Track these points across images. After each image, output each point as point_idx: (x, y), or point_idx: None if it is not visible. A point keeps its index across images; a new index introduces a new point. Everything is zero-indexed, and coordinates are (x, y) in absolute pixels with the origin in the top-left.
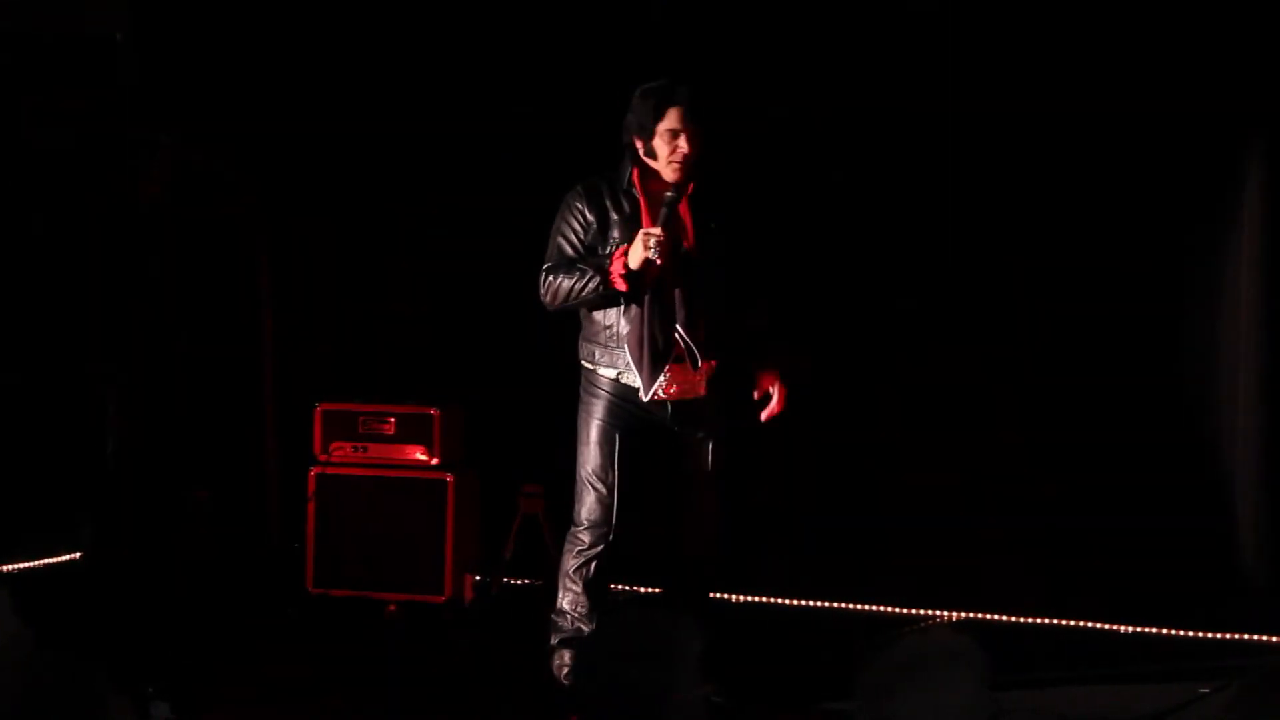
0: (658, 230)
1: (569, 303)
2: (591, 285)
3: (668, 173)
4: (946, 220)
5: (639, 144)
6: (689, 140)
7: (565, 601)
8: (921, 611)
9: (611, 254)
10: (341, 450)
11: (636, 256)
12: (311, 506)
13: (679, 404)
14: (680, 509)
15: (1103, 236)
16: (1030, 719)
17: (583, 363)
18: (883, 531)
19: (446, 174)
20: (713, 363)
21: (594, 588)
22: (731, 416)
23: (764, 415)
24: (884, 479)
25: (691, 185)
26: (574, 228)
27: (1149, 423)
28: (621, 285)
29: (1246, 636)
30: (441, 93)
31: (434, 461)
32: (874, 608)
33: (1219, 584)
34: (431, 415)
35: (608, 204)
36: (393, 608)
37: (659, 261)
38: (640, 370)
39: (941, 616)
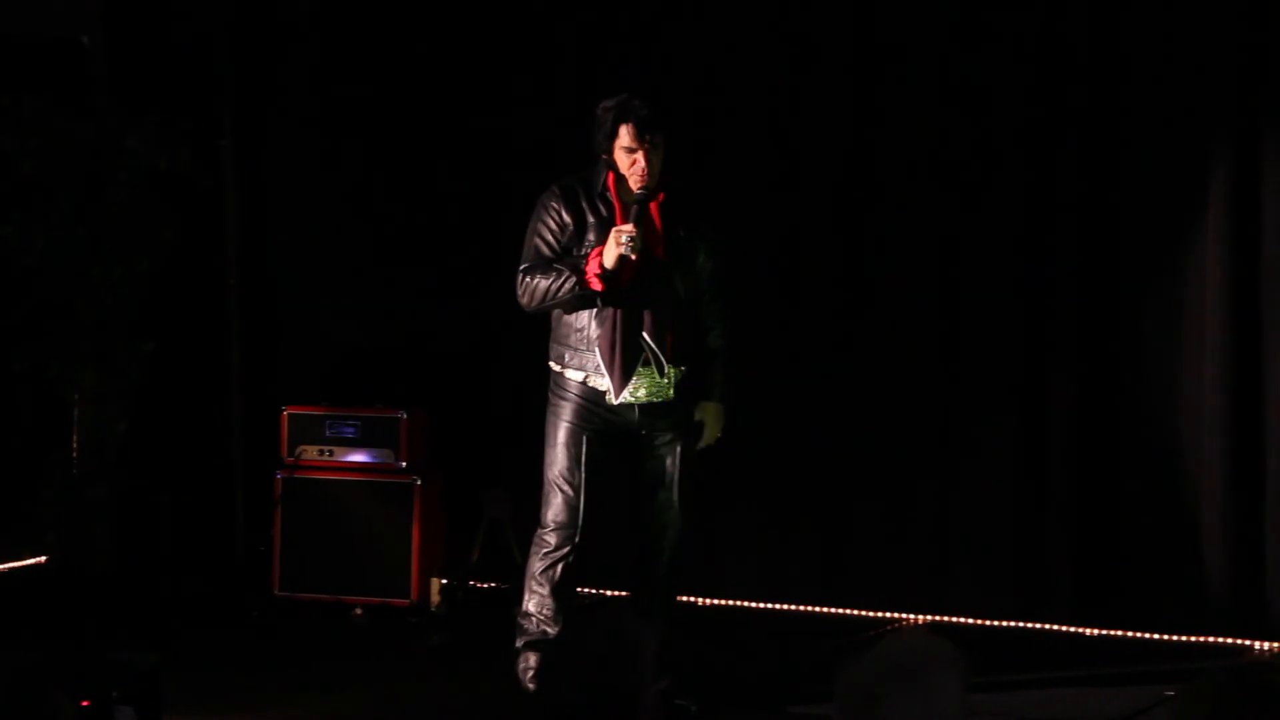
0: (629, 227)
1: (546, 303)
2: (568, 286)
3: (631, 184)
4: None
5: (605, 155)
6: (645, 156)
7: (531, 604)
8: (888, 615)
9: (587, 255)
10: (308, 454)
11: (611, 255)
12: (278, 510)
13: (647, 407)
14: (647, 511)
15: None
16: None
17: (551, 364)
18: (849, 534)
19: (419, 178)
20: (680, 368)
21: (560, 590)
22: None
23: (699, 445)
24: (849, 482)
25: (662, 194)
26: (551, 228)
27: (1112, 425)
28: (597, 285)
29: (1210, 639)
30: (419, 90)
31: (400, 465)
32: (840, 611)
33: (1184, 586)
34: (398, 419)
35: (584, 206)
36: (359, 611)
37: (633, 258)
38: (611, 374)
39: (908, 620)
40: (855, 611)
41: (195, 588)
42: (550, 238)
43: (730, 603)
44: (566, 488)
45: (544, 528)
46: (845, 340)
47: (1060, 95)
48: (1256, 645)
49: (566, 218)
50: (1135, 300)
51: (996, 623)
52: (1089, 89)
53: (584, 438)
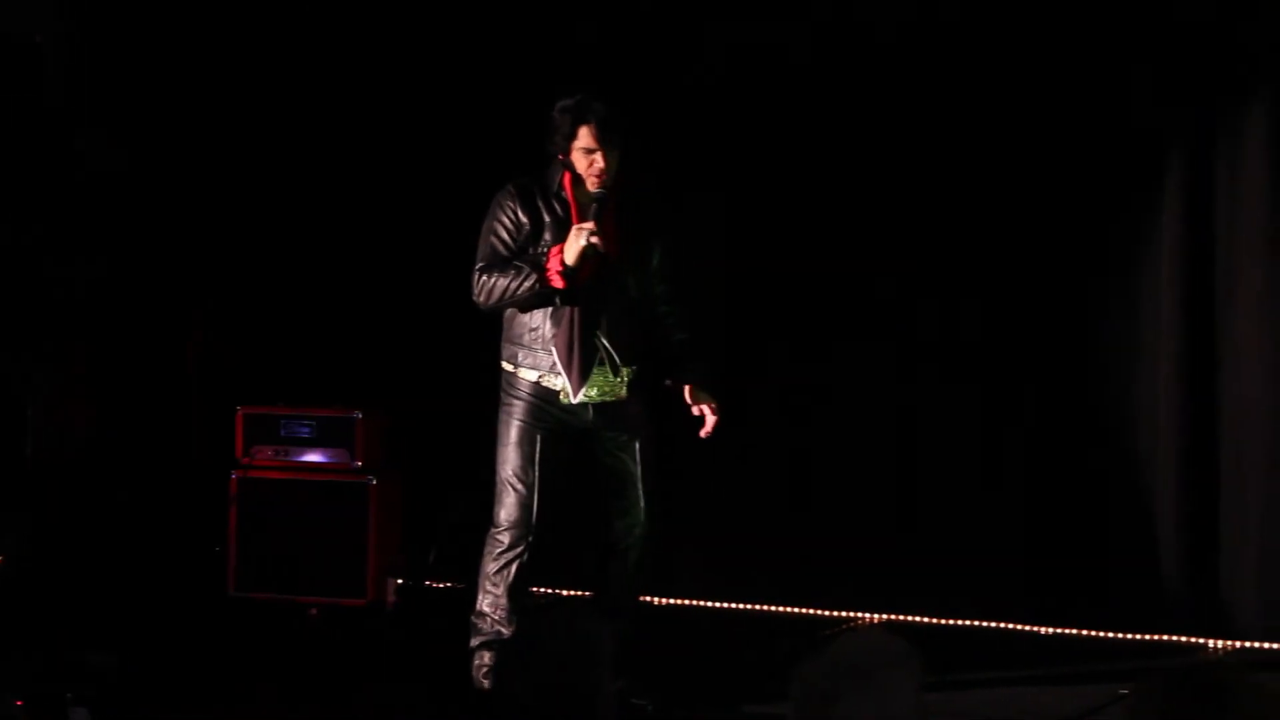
0: (590, 224)
1: (503, 301)
2: (528, 284)
3: (588, 185)
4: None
5: (561, 156)
6: (604, 157)
7: (485, 604)
8: (844, 614)
9: (546, 252)
10: (263, 454)
11: (573, 252)
12: (233, 510)
13: (600, 406)
14: (607, 511)
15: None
16: None
17: (503, 364)
18: (806, 533)
19: (377, 176)
20: (632, 367)
21: (514, 590)
22: (653, 419)
23: (703, 434)
24: (804, 481)
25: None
26: (506, 227)
27: (1070, 427)
28: (559, 282)
29: (1165, 638)
30: (378, 84)
31: (356, 465)
32: (796, 610)
33: (1140, 585)
34: (354, 419)
35: (540, 206)
36: (314, 611)
37: (594, 255)
38: (569, 373)
39: (865, 619)
40: (811, 610)
41: (152, 588)
42: (506, 236)
43: (686, 602)
44: (520, 487)
45: (497, 527)
46: (805, 340)
47: (1015, 99)
48: (1211, 644)
49: (522, 217)
50: (1092, 302)
51: (952, 621)
52: (1044, 93)
53: (537, 436)
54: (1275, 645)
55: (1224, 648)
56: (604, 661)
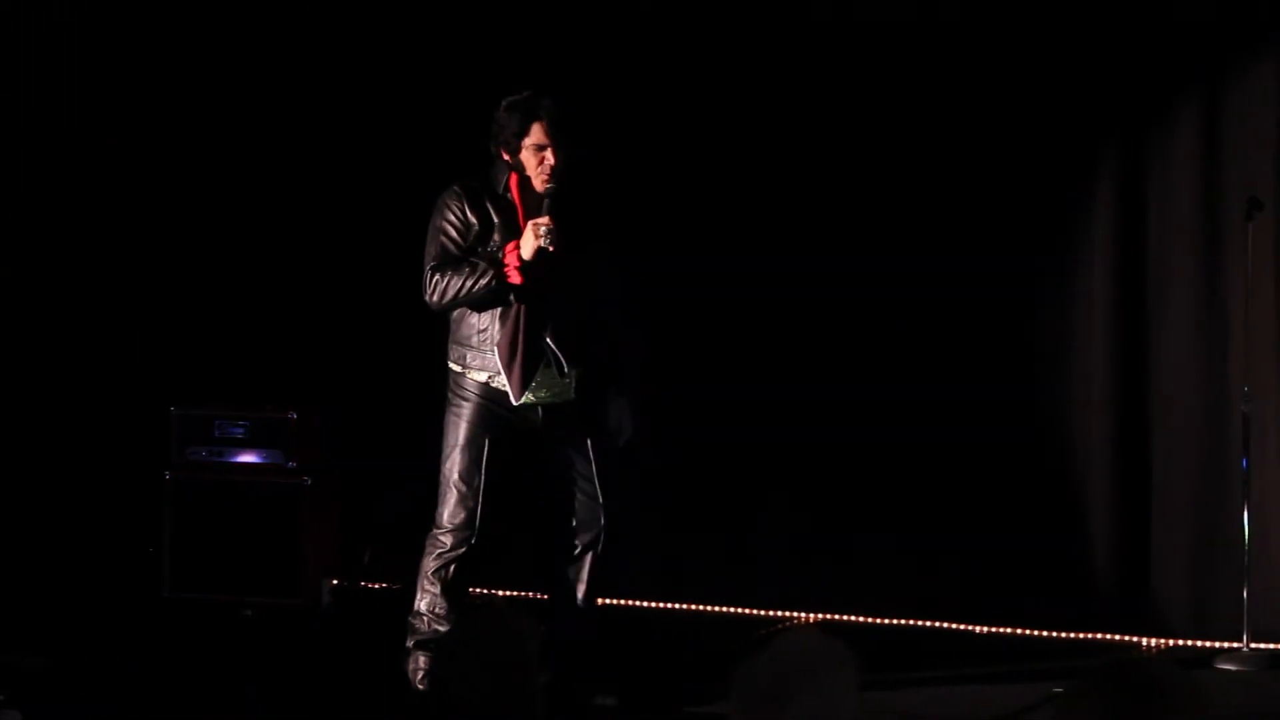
0: (545, 219)
1: (458, 300)
2: (484, 280)
3: (536, 184)
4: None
5: (506, 155)
6: (554, 154)
7: (423, 604)
8: (781, 613)
9: (501, 249)
10: (197, 454)
11: (529, 247)
12: (167, 511)
13: (550, 407)
14: (559, 513)
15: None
16: None
17: (451, 365)
18: (744, 533)
19: (309, 176)
20: (578, 368)
21: (452, 590)
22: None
23: (621, 443)
24: (745, 481)
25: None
26: (455, 226)
27: (1002, 422)
28: (517, 278)
29: (1099, 636)
30: (309, 85)
31: (290, 465)
32: (734, 610)
33: (1072, 584)
34: (288, 419)
35: (488, 206)
36: (249, 612)
37: (551, 249)
38: (509, 376)
39: (800, 618)
40: (749, 610)
41: (85, 589)
42: (455, 235)
43: (625, 602)
44: (464, 489)
45: (439, 528)
46: (744, 340)
47: (946, 95)
48: (1143, 642)
49: (471, 217)
50: (1025, 295)
51: (887, 620)
52: (976, 87)
53: (485, 440)
54: (1206, 643)
55: (1156, 646)
56: (532, 660)
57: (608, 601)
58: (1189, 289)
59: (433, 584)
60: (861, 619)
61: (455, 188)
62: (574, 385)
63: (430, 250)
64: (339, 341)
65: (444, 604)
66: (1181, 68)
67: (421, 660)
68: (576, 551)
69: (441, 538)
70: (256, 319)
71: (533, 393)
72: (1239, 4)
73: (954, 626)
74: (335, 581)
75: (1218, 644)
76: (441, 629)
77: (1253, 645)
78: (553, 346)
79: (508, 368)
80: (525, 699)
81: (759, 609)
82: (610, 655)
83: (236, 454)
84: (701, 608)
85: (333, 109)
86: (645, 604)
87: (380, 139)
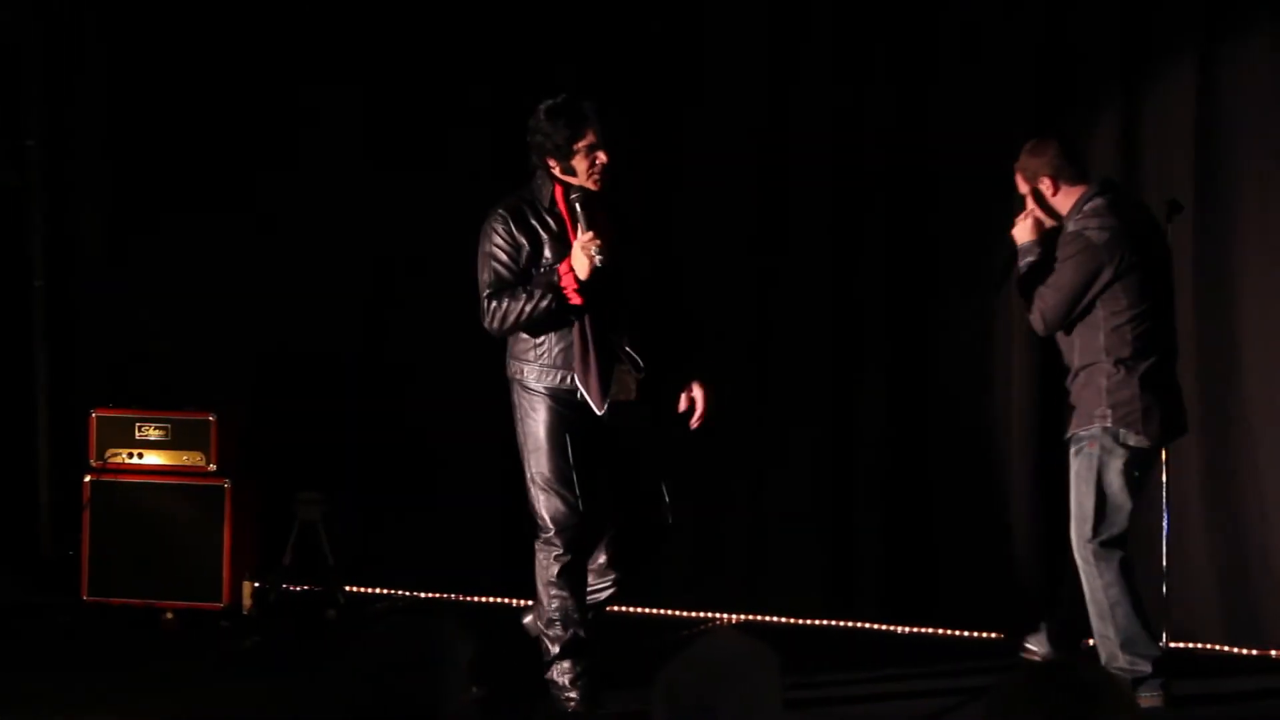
0: (589, 235)
1: (519, 325)
2: (544, 304)
3: (592, 184)
4: None
5: (554, 164)
6: (607, 153)
7: (554, 610)
8: (700, 614)
9: (555, 270)
10: (117, 457)
11: (583, 267)
12: (86, 514)
13: (614, 405)
14: (628, 508)
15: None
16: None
17: (514, 378)
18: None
19: (228, 176)
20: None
21: (579, 590)
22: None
23: (694, 423)
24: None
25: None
26: (506, 250)
27: (921, 427)
28: (577, 299)
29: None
30: (232, 90)
31: (211, 468)
32: (655, 611)
33: (993, 584)
34: (209, 421)
35: (534, 224)
36: (170, 615)
37: (600, 262)
38: (588, 387)
39: (720, 619)
40: (670, 612)
41: (3, 593)
42: (507, 259)
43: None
44: (561, 487)
45: (546, 531)
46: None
47: (868, 113)
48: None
49: (520, 238)
50: (944, 307)
51: (809, 621)
52: (898, 101)
53: (566, 436)
54: None
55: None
56: (452, 672)
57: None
58: None
59: (560, 588)
60: (784, 620)
61: (500, 210)
62: (635, 384)
63: (484, 277)
64: (260, 342)
65: (574, 605)
66: (1101, 69)
67: (568, 665)
68: (628, 539)
69: (553, 539)
70: (178, 320)
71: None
72: (1156, 7)
73: (876, 627)
74: (256, 584)
75: None
76: (581, 634)
77: (1171, 645)
78: (626, 349)
79: (584, 381)
80: (435, 713)
81: (683, 610)
82: (536, 659)
83: (157, 456)
84: (627, 609)
85: (245, 99)
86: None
87: (292, 131)
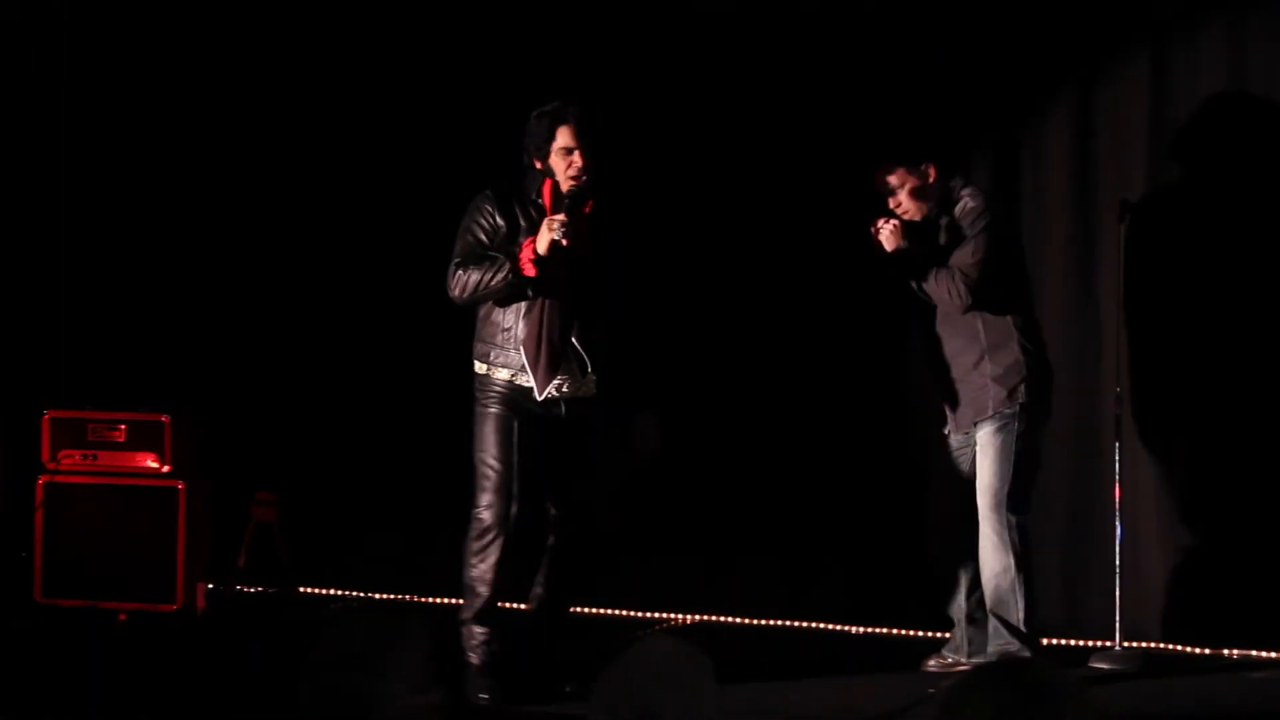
0: (561, 215)
1: (478, 294)
2: (501, 274)
3: (563, 186)
4: None
5: (538, 163)
6: (581, 156)
7: (472, 575)
8: (655, 615)
9: (520, 243)
10: (71, 458)
11: (544, 241)
12: (39, 515)
13: (570, 401)
14: (564, 507)
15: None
16: None
17: (476, 366)
18: (617, 536)
19: (184, 176)
20: (597, 371)
21: (499, 566)
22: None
23: (643, 461)
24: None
25: (591, 202)
26: (483, 227)
27: (884, 426)
28: (531, 270)
29: None
30: (193, 89)
31: (165, 469)
32: (607, 611)
33: (947, 584)
34: (162, 423)
35: (516, 211)
36: (124, 617)
37: (565, 242)
38: (534, 370)
39: (675, 620)
40: (623, 612)
41: None
42: (483, 235)
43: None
44: (500, 469)
45: (478, 508)
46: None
47: (819, 83)
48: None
49: (499, 220)
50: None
51: (762, 621)
52: (851, 77)
53: (515, 423)
54: (1079, 642)
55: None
56: (400, 673)
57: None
58: (1061, 287)
59: (479, 559)
60: (738, 620)
61: (487, 191)
62: (593, 384)
63: (456, 247)
64: (214, 344)
65: (492, 577)
66: (1056, 66)
67: (477, 631)
68: (563, 541)
69: (482, 515)
70: (132, 321)
71: (555, 388)
72: (1111, 6)
73: (830, 627)
74: (210, 585)
75: (1091, 643)
76: (494, 603)
77: (1125, 644)
78: (577, 347)
79: (532, 364)
80: (373, 713)
81: (638, 611)
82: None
83: (111, 457)
84: (580, 611)
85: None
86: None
87: (263, 132)
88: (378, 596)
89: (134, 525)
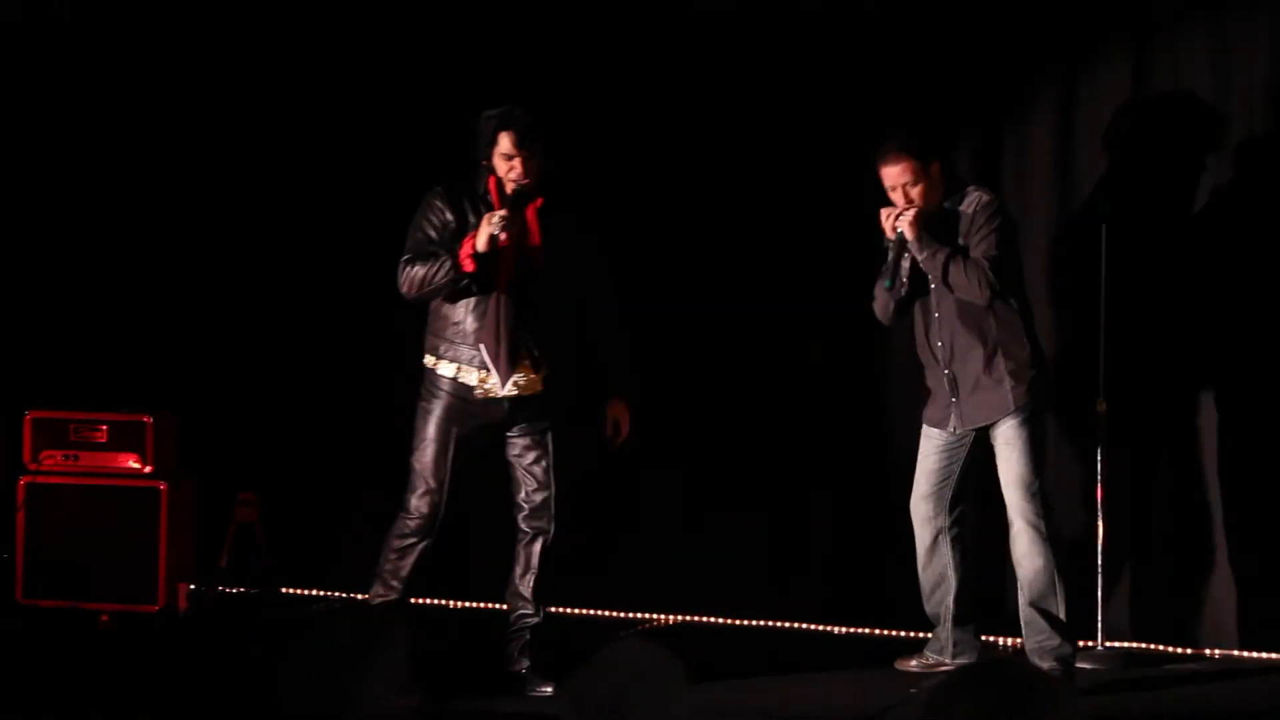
0: (503, 210)
1: (424, 290)
2: (444, 270)
3: (507, 188)
4: None
5: (485, 162)
6: (521, 163)
7: (385, 568)
8: (636, 615)
9: (461, 240)
10: (52, 459)
11: (483, 236)
12: (21, 516)
13: (515, 401)
14: (512, 498)
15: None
16: None
17: (425, 359)
18: (599, 534)
19: (169, 178)
20: (548, 369)
21: (411, 569)
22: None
23: (616, 445)
24: (598, 481)
25: (540, 199)
26: (433, 224)
27: (861, 422)
28: (470, 266)
29: None
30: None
31: (147, 470)
32: (592, 611)
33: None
34: (144, 423)
35: (466, 207)
36: (105, 618)
37: (503, 238)
38: (496, 364)
39: (658, 620)
40: (604, 613)
41: None
42: (432, 232)
43: (475, 605)
44: (431, 481)
45: (405, 513)
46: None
47: (801, 85)
48: (1000, 641)
49: (449, 216)
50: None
51: (746, 621)
52: (832, 78)
53: (453, 433)
54: None
55: (1013, 646)
56: (380, 673)
57: (462, 604)
58: (1043, 288)
59: (398, 555)
60: (721, 620)
61: (437, 188)
62: (541, 382)
63: (407, 244)
64: (195, 344)
65: (407, 574)
66: (1038, 63)
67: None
68: (527, 539)
69: (407, 521)
70: (114, 321)
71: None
72: (1095, 4)
73: (813, 627)
74: (192, 586)
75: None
76: (393, 597)
77: (1107, 644)
78: (529, 342)
79: (493, 357)
80: (343, 710)
81: (618, 611)
82: (461, 658)
83: (92, 458)
84: (563, 610)
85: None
86: (500, 606)
87: (244, 134)
88: (360, 597)
89: (116, 526)
